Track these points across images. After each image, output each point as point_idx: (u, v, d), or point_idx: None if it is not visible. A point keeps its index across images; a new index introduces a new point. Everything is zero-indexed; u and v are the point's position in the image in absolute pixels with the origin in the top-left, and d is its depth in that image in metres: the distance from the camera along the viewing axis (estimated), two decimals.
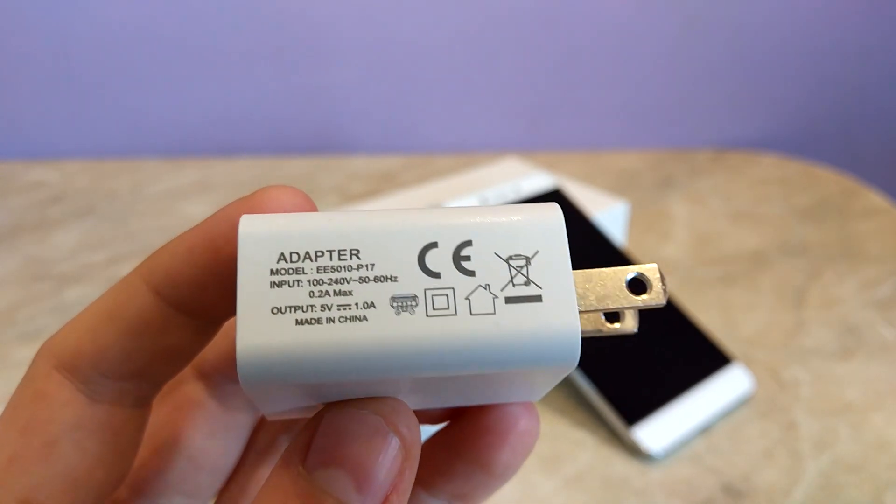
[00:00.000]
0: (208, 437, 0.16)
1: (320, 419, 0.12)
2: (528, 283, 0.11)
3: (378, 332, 0.11)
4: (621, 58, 0.64)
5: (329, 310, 0.11)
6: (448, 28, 0.61)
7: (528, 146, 0.66)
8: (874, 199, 0.56)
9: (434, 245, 0.11)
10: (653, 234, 0.51)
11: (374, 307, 0.11)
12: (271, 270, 0.11)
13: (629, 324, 0.14)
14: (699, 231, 0.51)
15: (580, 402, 0.35)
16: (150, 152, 0.63)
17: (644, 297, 0.13)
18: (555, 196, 0.41)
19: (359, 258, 0.11)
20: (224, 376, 0.16)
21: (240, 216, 0.12)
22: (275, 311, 0.11)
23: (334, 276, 0.11)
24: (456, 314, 0.11)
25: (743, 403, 0.35)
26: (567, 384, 0.36)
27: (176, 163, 0.61)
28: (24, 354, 0.38)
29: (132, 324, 0.13)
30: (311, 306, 0.11)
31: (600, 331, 0.14)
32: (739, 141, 0.68)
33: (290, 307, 0.11)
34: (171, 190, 0.57)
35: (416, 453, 0.12)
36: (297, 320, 0.11)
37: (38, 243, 0.49)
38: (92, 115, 0.61)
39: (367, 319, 0.11)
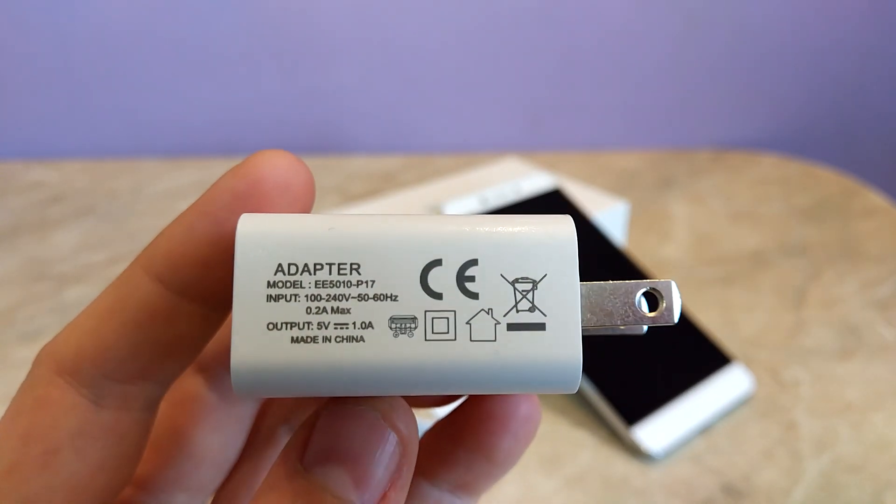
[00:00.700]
0: (209, 431, 0.16)
1: (318, 416, 0.12)
2: (532, 309, 0.11)
3: (374, 354, 0.11)
4: (621, 58, 0.64)
5: (326, 328, 0.11)
6: (448, 28, 0.61)
7: (528, 146, 0.66)
8: (874, 199, 0.56)
9: (438, 263, 0.11)
10: (653, 234, 0.51)
11: (372, 328, 0.11)
12: (268, 283, 0.11)
13: (639, 327, 0.13)
14: (699, 231, 0.51)
15: (580, 402, 0.35)
16: (150, 152, 0.63)
17: (655, 314, 0.12)
18: (555, 196, 0.41)
19: (359, 273, 0.11)
20: (224, 368, 0.16)
21: (235, 186, 0.12)
22: (270, 326, 0.11)
23: (333, 291, 0.11)
24: (455, 339, 0.11)
25: (743, 403, 0.35)
26: None
27: (176, 163, 0.61)
28: (24, 354, 0.38)
29: (135, 317, 0.12)
30: (308, 324, 0.11)
31: (608, 329, 0.13)
32: (739, 141, 0.68)
33: (287, 324, 0.11)
34: (171, 190, 0.57)
35: (414, 449, 0.12)
36: (292, 338, 0.11)
37: (38, 243, 0.49)
38: (92, 115, 0.61)
39: (363, 340, 0.11)
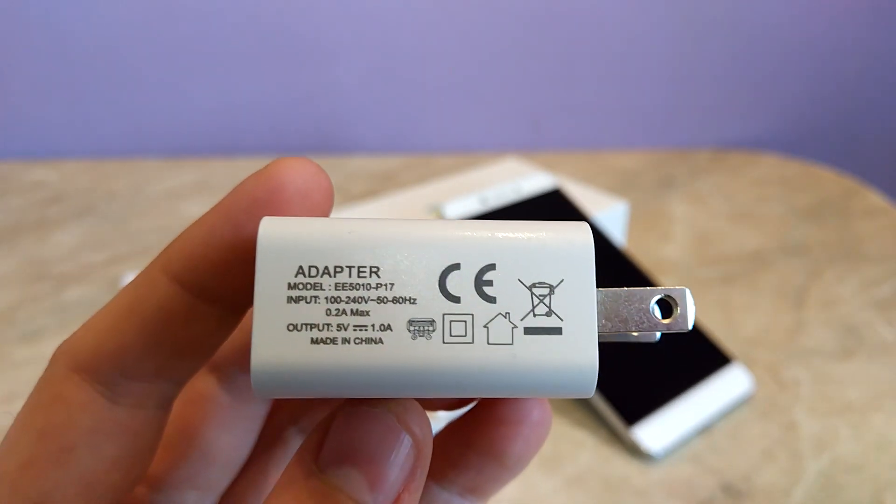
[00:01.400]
0: (221, 430, 0.16)
1: (333, 418, 0.12)
2: (549, 313, 0.11)
3: (393, 356, 0.11)
4: (621, 58, 0.64)
5: (345, 330, 0.11)
6: (448, 28, 0.61)
7: (529, 146, 0.66)
8: (874, 199, 0.56)
9: (457, 267, 0.11)
10: (653, 234, 0.51)
11: (391, 330, 0.11)
12: (289, 284, 0.11)
13: (652, 335, 0.13)
14: (699, 231, 0.51)
15: (580, 402, 0.35)
16: (150, 152, 0.63)
17: (669, 321, 0.12)
18: (555, 196, 0.41)
19: (378, 276, 0.11)
20: (237, 368, 0.16)
21: (256, 191, 0.12)
22: (290, 327, 0.11)
23: (352, 294, 0.11)
24: (473, 342, 0.11)
25: (743, 403, 0.35)
26: None
27: (176, 163, 0.61)
28: (25, 354, 0.38)
29: (154, 317, 0.12)
30: (328, 325, 0.11)
31: (623, 337, 0.13)
32: (739, 141, 0.68)
33: (306, 325, 0.11)
34: (171, 190, 0.57)
35: (428, 452, 0.12)
36: (312, 339, 0.11)
37: (38, 243, 0.49)
38: (92, 115, 0.61)
39: (382, 342, 0.11)
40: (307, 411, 0.17)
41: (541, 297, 0.11)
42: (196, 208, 0.54)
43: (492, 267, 0.11)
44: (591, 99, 0.65)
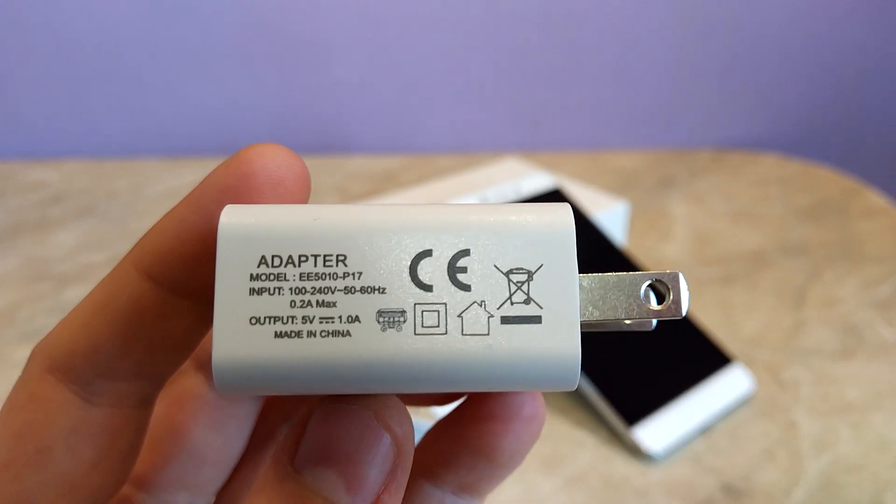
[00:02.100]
0: (210, 430, 0.15)
1: (309, 416, 0.11)
2: (527, 301, 0.11)
3: (361, 349, 0.10)
4: (621, 58, 0.64)
5: (311, 322, 0.10)
6: (448, 28, 0.61)
7: (529, 146, 0.66)
8: (874, 199, 0.56)
9: (428, 253, 0.11)
10: (653, 234, 0.51)
11: (359, 321, 0.10)
12: (251, 275, 0.10)
13: (647, 322, 0.13)
14: (699, 231, 0.51)
15: (580, 402, 0.35)
16: (150, 152, 0.63)
17: (661, 307, 0.11)
18: (555, 196, 0.41)
19: (345, 265, 0.10)
20: None
21: (226, 180, 0.12)
22: (253, 321, 0.10)
23: (318, 284, 0.10)
24: (446, 333, 0.10)
25: (743, 403, 0.35)
26: None
27: (176, 163, 0.61)
28: (24, 354, 0.38)
29: (126, 314, 0.12)
30: (292, 318, 0.10)
31: (615, 325, 0.13)
32: (739, 141, 0.68)
33: (270, 318, 0.10)
34: (171, 190, 0.57)
35: (410, 450, 0.12)
36: (276, 332, 0.10)
37: (38, 243, 0.49)
38: (92, 115, 0.61)
39: (350, 335, 0.10)
40: (299, 407, 0.17)
41: (518, 284, 0.11)
42: None
43: (466, 253, 0.11)
44: (591, 99, 0.65)
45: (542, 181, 0.41)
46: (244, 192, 0.12)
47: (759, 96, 0.67)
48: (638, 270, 0.37)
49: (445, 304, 0.10)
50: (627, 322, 0.12)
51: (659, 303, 0.12)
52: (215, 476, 0.16)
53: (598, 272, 0.12)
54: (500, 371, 0.10)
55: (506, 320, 0.10)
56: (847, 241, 0.50)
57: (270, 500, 0.11)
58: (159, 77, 0.61)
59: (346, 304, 0.10)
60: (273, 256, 0.10)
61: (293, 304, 0.10)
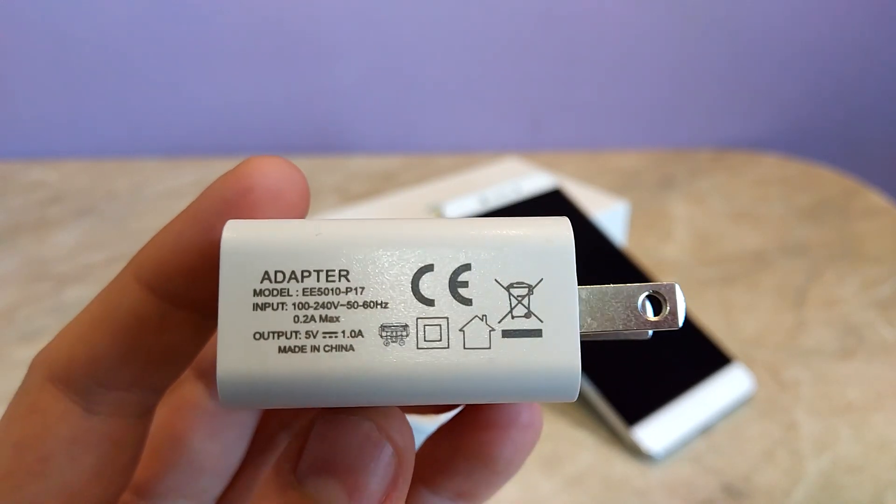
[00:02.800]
0: (209, 438, 0.16)
1: (311, 426, 0.12)
2: (528, 314, 0.11)
3: (364, 364, 0.10)
4: (621, 58, 0.63)
5: (314, 337, 0.10)
6: (448, 28, 0.61)
7: (529, 146, 0.66)
8: (874, 199, 0.56)
9: (430, 268, 0.11)
10: (653, 234, 0.51)
11: (362, 336, 0.10)
12: (254, 291, 0.10)
13: (643, 332, 0.13)
14: (699, 231, 0.51)
15: (580, 402, 0.35)
16: (150, 152, 0.63)
17: (658, 318, 0.12)
18: (555, 196, 0.41)
19: (348, 280, 0.11)
20: None
21: (225, 193, 0.12)
22: (257, 336, 0.10)
23: (321, 299, 0.10)
24: (448, 347, 0.10)
25: (743, 403, 0.35)
26: None
27: (176, 163, 0.61)
28: (24, 354, 0.38)
29: (126, 325, 0.12)
30: (296, 332, 0.10)
31: (611, 334, 0.13)
32: (739, 141, 0.68)
33: (274, 333, 0.10)
34: (171, 190, 0.57)
35: (411, 460, 0.12)
36: (280, 347, 0.10)
37: (38, 243, 0.49)
38: (92, 115, 0.61)
39: (353, 349, 0.10)
40: (298, 416, 0.17)
41: (519, 298, 0.11)
42: None
43: (467, 267, 0.11)
44: (591, 99, 0.65)
45: (542, 181, 0.41)
46: (243, 206, 0.12)
47: (759, 96, 0.67)
48: (637, 270, 0.37)
49: (447, 318, 0.11)
50: (625, 332, 0.12)
51: (656, 314, 0.12)
52: (214, 484, 0.16)
53: (596, 279, 0.12)
54: (501, 384, 0.11)
55: (507, 334, 0.11)
56: (847, 241, 0.50)
57: None
58: (159, 77, 0.61)
59: (349, 319, 0.10)
60: (276, 272, 0.11)
61: (297, 318, 0.10)
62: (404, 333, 0.10)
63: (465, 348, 0.11)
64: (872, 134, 0.70)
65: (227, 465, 0.16)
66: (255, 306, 0.10)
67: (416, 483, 0.15)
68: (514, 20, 0.61)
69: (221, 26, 0.59)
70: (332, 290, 0.11)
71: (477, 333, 0.11)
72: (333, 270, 0.11)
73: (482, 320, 0.11)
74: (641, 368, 0.35)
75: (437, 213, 0.39)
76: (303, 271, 0.11)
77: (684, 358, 0.36)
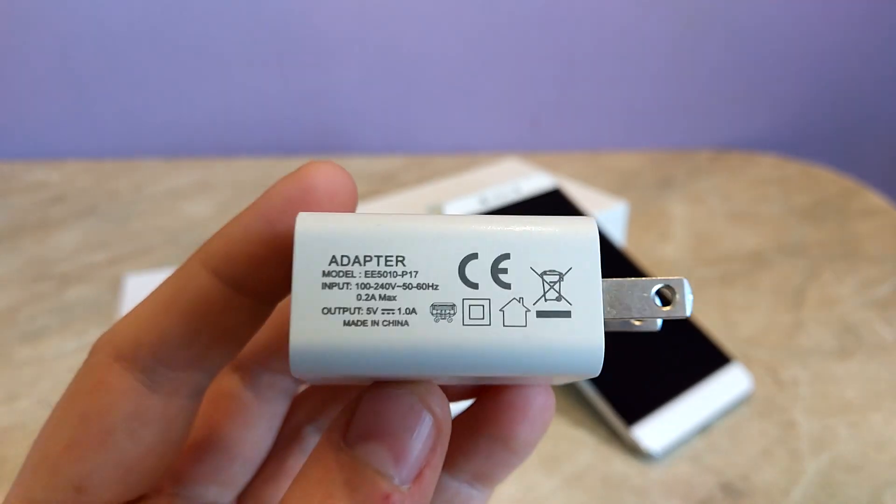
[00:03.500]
0: (243, 428, 0.17)
1: (360, 399, 0.13)
2: (559, 298, 0.12)
3: (417, 337, 0.12)
4: (621, 58, 0.64)
5: (374, 313, 0.12)
6: (448, 29, 0.61)
7: (529, 147, 0.66)
8: (874, 199, 0.56)
9: (475, 256, 0.12)
10: (652, 234, 0.51)
11: (416, 313, 0.12)
12: (323, 272, 0.12)
13: (654, 323, 0.15)
14: (699, 231, 0.51)
15: (580, 402, 0.35)
16: (150, 152, 0.63)
17: (668, 308, 0.13)
18: (555, 196, 0.41)
19: (404, 265, 0.12)
20: (260, 367, 0.17)
21: (289, 192, 0.13)
22: (325, 311, 0.12)
23: (380, 280, 0.12)
24: (490, 325, 0.12)
25: (742, 403, 0.35)
26: (567, 384, 0.36)
27: (176, 163, 0.61)
28: (25, 354, 0.38)
29: (193, 307, 0.13)
30: (358, 309, 0.12)
31: (627, 325, 0.14)
32: (739, 141, 0.68)
33: (340, 308, 0.12)
34: (172, 190, 0.57)
35: (448, 431, 0.13)
36: (344, 321, 0.12)
37: (39, 243, 0.49)
38: (92, 116, 0.62)
39: (408, 325, 0.12)
40: (325, 411, 0.18)
41: (551, 284, 0.12)
42: (196, 208, 0.54)
43: (506, 256, 0.12)
44: (591, 99, 0.65)
45: (541, 181, 0.41)
46: (305, 203, 0.13)
47: (759, 96, 0.67)
48: (636, 270, 0.38)
49: (489, 299, 0.12)
50: (637, 323, 0.14)
51: (666, 304, 0.13)
52: (244, 472, 0.17)
53: (616, 277, 0.14)
54: (534, 359, 0.12)
55: (540, 314, 0.12)
56: (846, 241, 0.50)
57: (326, 470, 0.12)
58: (160, 77, 0.61)
59: (404, 298, 0.12)
60: (342, 256, 0.12)
61: (359, 297, 0.12)
62: (452, 312, 0.12)
63: (504, 325, 0.12)
64: (871, 134, 0.70)
65: (256, 454, 0.17)
66: (324, 286, 0.12)
67: None
68: (513, 21, 0.61)
69: (222, 27, 0.59)
70: (390, 272, 0.12)
71: (514, 313, 0.12)
72: (392, 256, 0.12)
73: (519, 302, 0.12)
74: (640, 368, 0.35)
75: (437, 213, 0.39)
76: (365, 256, 0.12)
77: (683, 357, 0.36)
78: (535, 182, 0.41)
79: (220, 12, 0.58)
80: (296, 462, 0.18)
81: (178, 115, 0.63)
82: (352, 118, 0.65)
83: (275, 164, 0.62)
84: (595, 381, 0.34)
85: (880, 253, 0.49)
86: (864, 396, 0.36)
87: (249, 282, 0.13)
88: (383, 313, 0.12)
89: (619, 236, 0.45)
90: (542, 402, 0.16)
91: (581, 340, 0.12)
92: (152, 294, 0.14)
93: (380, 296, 0.12)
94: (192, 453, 0.16)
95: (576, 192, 0.44)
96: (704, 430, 0.34)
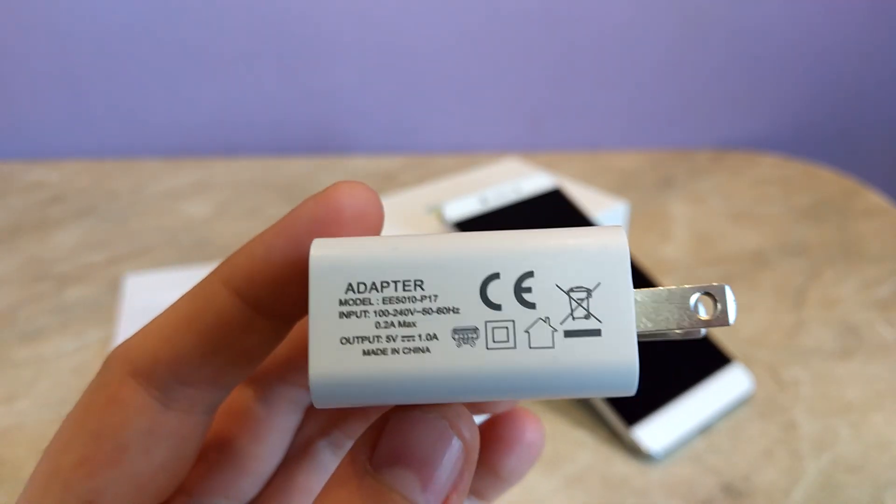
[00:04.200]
0: (254, 442, 0.16)
1: (386, 420, 0.12)
2: (587, 316, 0.12)
3: (440, 363, 0.11)
4: (621, 58, 0.64)
5: (394, 341, 0.11)
6: (448, 28, 0.61)
7: (529, 146, 0.66)
8: (874, 199, 0.56)
9: (496, 276, 0.12)
10: (653, 234, 0.51)
11: (437, 339, 0.11)
12: (340, 301, 0.12)
13: (697, 331, 0.14)
14: (699, 231, 0.51)
15: (580, 402, 0.35)
16: (150, 152, 0.63)
17: (710, 317, 0.12)
18: (555, 196, 0.41)
19: (423, 289, 0.12)
20: (273, 381, 0.16)
21: (316, 212, 0.13)
22: (343, 341, 0.11)
23: (399, 307, 0.12)
24: (515, 347, 0.11)
25: (743, 403, 0.35)
26: None
27: (176, 163, 0.61)
28: (25, 354, 0.38)
29: (213, 326, 0.13)
30: (377, 337, 0.11)
31: (666, 334, 0.14)
32: (739, 141, 0.68)
33: (358, 338, 0.11)
34: (171, 190, 0.57)
35: (475, 456, 0.13)
36: (364, 350, 0.11)
37: (39, 243, 0.49)
38: (92, 115, 0.61)
39: (429, 351, 0.11)
40: (337, 425, 0.18)
41: (579, 301, 0.12)
42: (196, 208, 0.54)
43: (530, 274, 0.12)
44: (591, 99, 0.65)
45: (541, 181, 0.41)
46: (332, 224, 0.13)
47: (759, 96, 0.67)
48: (637, 270, 0.38)
49: (513, 321, 0.12)
50: (678, 332, 0.13)
51: (707, 313, 0.13)
52: (253, 486, 0.17)
53: (651, 287, 0.13)
54: (564, 380, 0.11)
55: (569, 334, 0.11)
56: (847, 242, 0.50)
57: (350, 495, 0.12)
58: (159, 77, 0.61)
59: (425, 324, 0.12)
60: (359, 283, 0.12)
61: (378, 325, 0.12)
62: (474, 335, 0.11)
63: (530, 348, 0.11)
64: (871, 134, 0.70)
65: (266, 468, 0.17)
66: (341, 315, 0.12)
67: None
68: (513, 21, 0.61)
69: (222, 26, 0.59)
70: (408, 298, 0.12)
71: (541, 334, 0.11)
72: (409, 281, 0.12)
73: (545, 322, 0.12)
74: (641, 368, 0.35)
75: (437, 213, 0.39)
76: (382, 282, 0.12)
77: (684, 358, 0.36)
78: (536, 182, 0.41)
79: (220, 12, 0.58)
80: (306, 477, 0.17)
81: (178, 115, 0.62)
82: (352, 118, 0.64)
83: (274, 163, 0.61)
84: None
85: (881, 253, 0.49)
86: (865, 397, 0.36)
87: (271, 303, 0.13)
88: (403, 340, 0.11)
89: None
90: (530, 439, 0.16)
91: (613, 360, 0.11)
92: (170, 309, 0.14)
93: (399, 322, 0.12)
94: (203, 466, 0.16)
95: (576, 192, 0.44)
96: (705, 430, 0.34)
